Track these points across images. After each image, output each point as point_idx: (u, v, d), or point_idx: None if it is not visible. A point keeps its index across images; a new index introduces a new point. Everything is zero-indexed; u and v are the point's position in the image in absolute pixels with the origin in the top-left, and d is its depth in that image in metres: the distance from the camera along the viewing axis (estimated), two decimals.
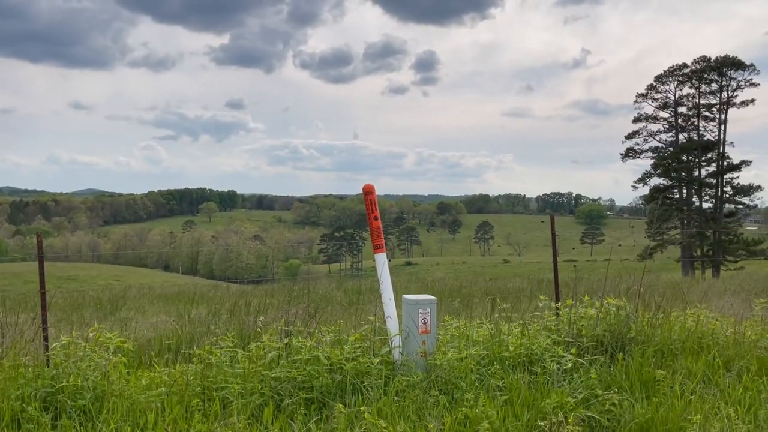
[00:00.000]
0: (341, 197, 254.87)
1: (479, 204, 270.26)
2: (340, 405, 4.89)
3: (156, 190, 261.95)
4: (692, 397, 5.26)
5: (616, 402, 5.08)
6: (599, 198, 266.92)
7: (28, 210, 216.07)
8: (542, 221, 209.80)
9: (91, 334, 5.87)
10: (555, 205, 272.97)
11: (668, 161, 50.92)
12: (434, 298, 6.13)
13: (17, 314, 7.47)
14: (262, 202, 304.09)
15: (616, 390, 5.27)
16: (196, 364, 5.70)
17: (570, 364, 5.73)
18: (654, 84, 51.85)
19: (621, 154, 53.70)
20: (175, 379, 5.45)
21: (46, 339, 6.17)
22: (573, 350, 6.00)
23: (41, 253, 6.37)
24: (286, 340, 5.93)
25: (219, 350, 5.86)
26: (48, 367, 5.51)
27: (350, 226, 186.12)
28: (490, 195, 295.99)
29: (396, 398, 5.19)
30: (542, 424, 4.69)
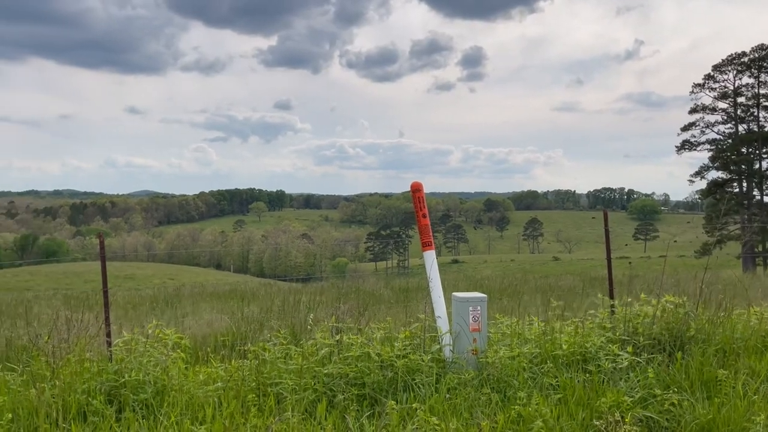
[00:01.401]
0: (387, 195, 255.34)
1: (527, 200, 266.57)
2: (392, 401, 4.91)
3: (207, 191, 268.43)
4: (756, 397, 5.08)
5: (676, 402, 4.94)
6: (653, 193, 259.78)
7: (87, 212, 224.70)
8: (593, 217, 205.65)
9: (150, 331, 6.07)
10: (606, 200, 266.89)
11: (727, 153, 49.09)
12: (485, 295, 6.09)
13: (81, 312, 7.78)
14: (309, 202, 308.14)
15: (675, 390, 5.13)
16: (250, 360, 5.82)
17: (626, 363, 5.61)
18: (711, 73, 50.07)
19: (676, 147, 52.10)
20: (231, 374, 5.58)
21: (108, 335, 6.42)
22: (629, 349, 5.86)
23: (103, 253, 6.62)
24: (337, 337, 6.00)
25: (272, 347, 5.97)
26: (111, 362, 5.73)
27: (396, 224, 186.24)
28: (539, 191, 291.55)
29: (447, 396, 5.19)
30: (598, 423, 4.61)
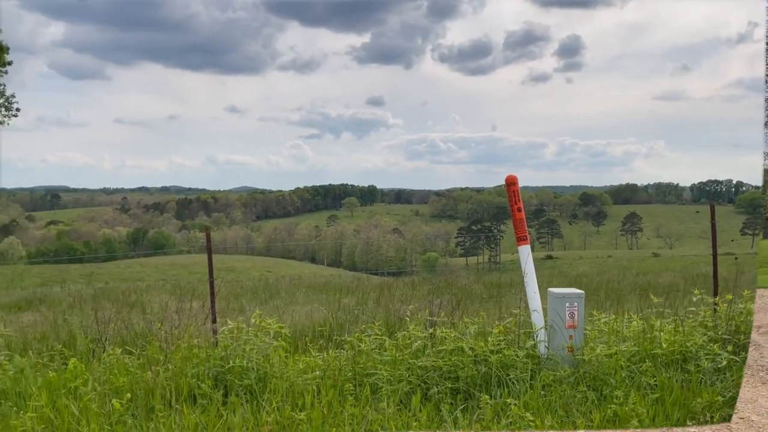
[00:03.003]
0: (478, 190, 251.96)
1: (626, 194, 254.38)
2: (486, 396, 4.95)
3: (302, 187, 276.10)
4: None
5: None
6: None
7: (192, 207, 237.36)
8: (697, 211, 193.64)
9: (253, 320, 6.42)
10: (712, 193, 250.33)
11: None
12: (582, 292, 5.99)
13: (190, 301, 8.32)
14: (400, 197, 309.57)
15: None
16: (347, 350, 6.03)
17: (725, 362, 5.36)
18: None
19: None
20: (328, 364, 5.81)
21: (214, 322, 6.85)
22: (729, 348, 5.59)
23: (210, 246, 7.06)
24: (431, 330, 6.09)
25: (368, 338, 6.15)
26: (217, 348, 6.11)
27: (487, 219, 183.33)
28: (639, 184, 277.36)
29: (542, 392, 5.16)
30: (691, 424, 4.46)
